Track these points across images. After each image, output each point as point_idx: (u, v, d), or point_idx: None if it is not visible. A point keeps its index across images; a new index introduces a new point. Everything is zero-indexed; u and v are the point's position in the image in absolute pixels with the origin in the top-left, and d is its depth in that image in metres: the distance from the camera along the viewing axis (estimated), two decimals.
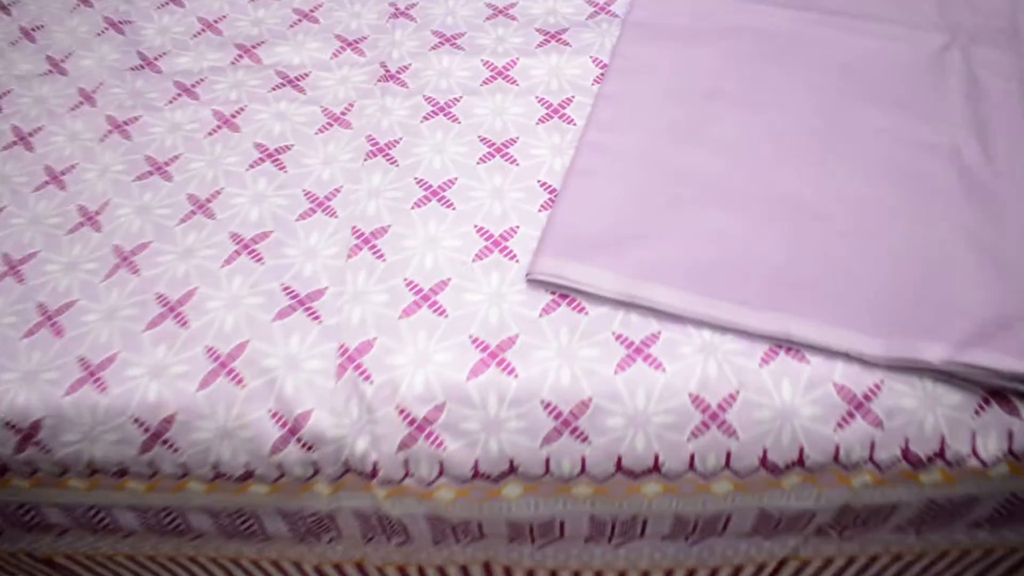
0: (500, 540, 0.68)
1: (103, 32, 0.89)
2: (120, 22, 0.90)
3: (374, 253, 0.68)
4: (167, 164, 0.76)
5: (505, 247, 0.67)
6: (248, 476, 0.62)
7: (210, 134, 0.78)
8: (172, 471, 0.62)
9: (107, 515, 0.67)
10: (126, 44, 0.87)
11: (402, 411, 0.60)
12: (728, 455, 0.60)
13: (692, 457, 0.60)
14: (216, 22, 0.90)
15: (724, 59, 0.77)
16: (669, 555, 0.69)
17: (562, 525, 0.66)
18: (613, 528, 0.66)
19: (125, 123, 0.80)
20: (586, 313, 0.62)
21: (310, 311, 0.65)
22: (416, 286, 0.65)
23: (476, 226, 0.68)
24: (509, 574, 0.73)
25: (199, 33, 0.88)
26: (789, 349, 0.60)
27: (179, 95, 0.82)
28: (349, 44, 0.86)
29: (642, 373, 0.59)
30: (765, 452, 0.60)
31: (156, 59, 0.86)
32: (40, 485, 0.64)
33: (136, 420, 0.61)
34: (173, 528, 0.68)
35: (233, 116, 0.79)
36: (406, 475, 0.61)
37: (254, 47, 0.86)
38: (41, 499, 0.66)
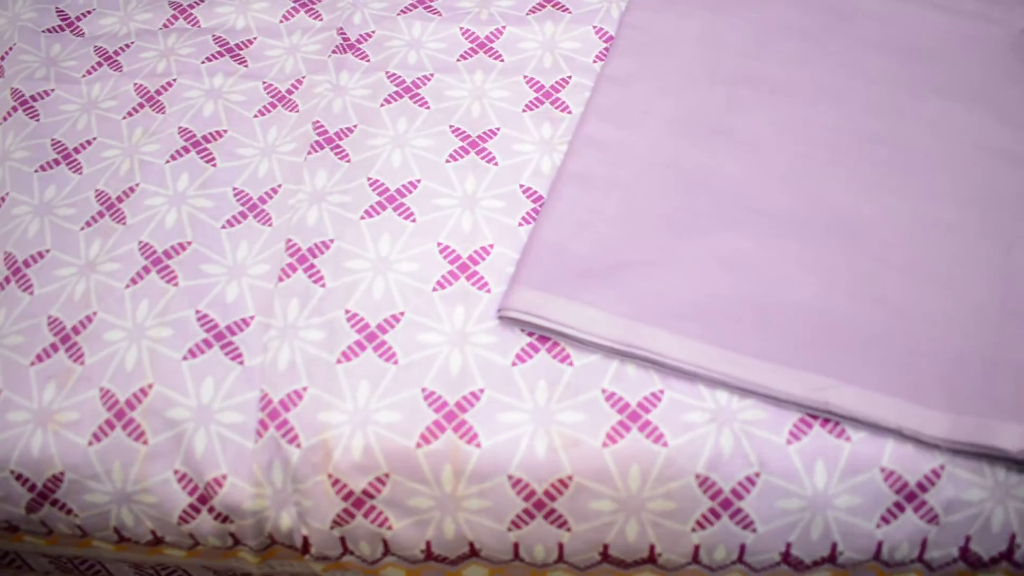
0: None
1: None
2: None
3: (311, 275, 0.56)
4: (77, 151, 0.64)
5: (474, 272, 0.56)
6: (159, 542, 0.55)
7: (129, 115, 0.66)
8: (70, 532, 0.56)
9: (16, 557, 0.60)
10: (45, 0, 0.74)
11: (335, 482, 0.50)
12: (742, 549, 0.50)
13: (696, 549, 0.50)
14: None
15: (759, 34, 0.67)
16: None
17: None
18: None
19: (33, 98, 0.68)
20: (571, 363, 0.53)
21: (229, 348, 0.53)
22: (360, 321, 0.54)
23: (440, 244, 0.57)
24: None
25: None
26: (826, 421, 0.51)
27: (99, 64, 0.70)
28: (304, 4, 0.72)
29: (637, 446, 0.50)
30: (788, 547, 0.50)
31: (78, 19, 0.75)
32: None
33: (18, 476, 0.54)
34: (94, 574, 0.61)
35: (158, 92, 0.67)
36: (345, 552, 0.53)
37: (191, 6, 0.73)
38: None
